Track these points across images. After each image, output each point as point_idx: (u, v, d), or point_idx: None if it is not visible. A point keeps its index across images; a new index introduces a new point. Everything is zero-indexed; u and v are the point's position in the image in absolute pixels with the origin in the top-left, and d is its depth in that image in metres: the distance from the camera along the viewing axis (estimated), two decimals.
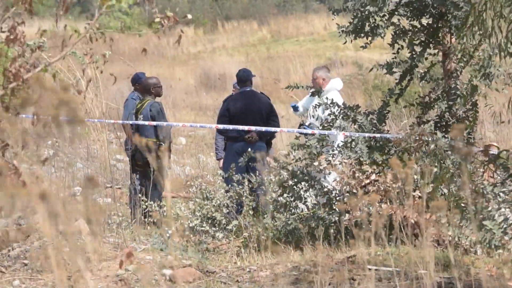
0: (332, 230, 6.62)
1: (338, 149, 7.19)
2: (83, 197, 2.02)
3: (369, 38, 7.36)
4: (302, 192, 7.24)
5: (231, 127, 8.96)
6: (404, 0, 7.37)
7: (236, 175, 7.69)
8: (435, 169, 6.45)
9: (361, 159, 6.96)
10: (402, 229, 5.28)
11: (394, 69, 7.42)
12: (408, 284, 4.46)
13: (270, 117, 9.45)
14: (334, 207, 6.95)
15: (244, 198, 7.58)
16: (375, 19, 7.33)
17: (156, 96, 9.60)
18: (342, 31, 7.36)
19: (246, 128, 8.90)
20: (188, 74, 26.39)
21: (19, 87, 3.61)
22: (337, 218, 6.76)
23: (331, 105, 7.40)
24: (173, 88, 22.79)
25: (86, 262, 2.17)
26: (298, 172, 7.21)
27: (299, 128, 8.52)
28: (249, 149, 7.82)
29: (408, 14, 7.45)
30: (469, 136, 7.17)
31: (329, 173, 7.23)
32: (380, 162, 6.94)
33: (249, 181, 7.60)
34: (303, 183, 7.21)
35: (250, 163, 7.92)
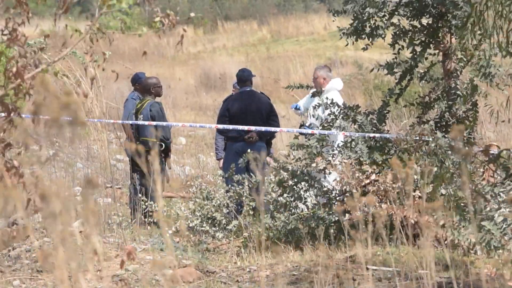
0: (332, 230, 6.62)
1: (338, 149, 7.19)
2: (82, 198, 2.02)
3: (370, 39, 7.37)
4: (302, 192, 7.24)
5: (231, 127, 8.96)
6: (404, 0, 7.37)
7: (236, 175, 7.69)
8: (435, 169, 6.45)
9: (361, 159, 6.96)
10: (402, 229, 5.28)
11: (395, 69, 7.43)
12: (408, 284, 4.46)
13: (270, 117, 9.45)
14: (334, 207, 6.95)
15: (244, 198, 7.58)
16: (375, 20, 7.33)
17: (156, 96, 9.60)
18: (343, 33, 7.37)
19: (246, 128, 8.90)
20: (188, 74, 26.39)
21: (20, 87, 3.61)
22: (337, 218, 6.76)
23: (331, 105, 7.40)
24: (173, 88, 22.79)
25: (87, 262, 2.17)
26: (298, 172, 7.21)
27: (300, 128, 8.51)
28: (249, 149, 7.82)
29: (408, 14, 7.45)
30: (469, 136, 7.17)
31: (329, 173, 7.23)
32: (380, 162, 6.94)
33: (249, 181, 7.60)
34: (303, 183, 7.22)
35: (250, 163, 7.92)
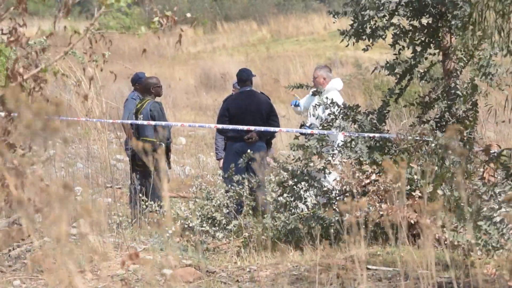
0: (332, 230, 6.62)
1: (338, 149, 7.19)
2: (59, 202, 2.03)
3: (371, 40, 7.38)
4: (302, 192, 7.24)
5: (230, 127, 8.96)
6: (404, 0, 7.37)
7: (236, 175, 7.69)
8: (436, 168, 6.45)
9: (361, 159, 6.96)
10: (399, 230, 5.27)
11: (395, 70, 7.43)
12: (408, 284, 4.46)
13: (270, 117, 9.45)
14: (334, 207, 6.95)
15: (244, 198, 7.58)
16: (376, 21, 7.34)
17: (156, 96, 9.60)
18: (344, 34, 7.38)
19: (245, 128, 8.90)
20: (188, 74, 26.38)
21: (21, 87, 3.61)
22: (337, 218, 6.75)
23: (331, 105, 7.40)
24: (173, 88, 22.79)
25: (87, 262, 2.18)
26: (298, 172, 7.21)
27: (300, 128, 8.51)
28: (249, 149, 7.82)
29: (408, 14, 7.45)
30: (469, 136, 7.16)
31: (329, 173, 7.24)
32: (380, 162, 6.93)
33: (249, 181, 7.60)
34: (303, 183, 7.22)
35: (250, 163, 7.92)
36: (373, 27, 7.34)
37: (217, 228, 7.59)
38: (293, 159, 7.37)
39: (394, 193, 6.35)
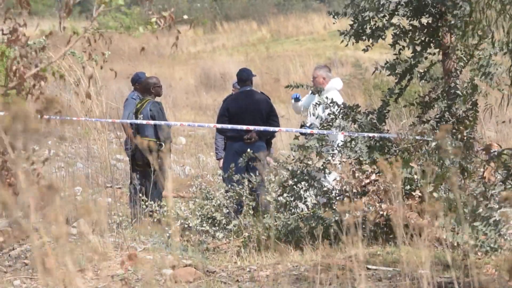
0: (332, 230, 6.62)
1: (338, 148, 7.19)
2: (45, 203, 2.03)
3: (371, 41, 7.38)
4: (302, 192, 7.24)
5: (230, 126, 8.96)
6: (403, 0, 7.37)
7: (236, 175, 7.69)
8: (436, 168, 6.44)
9: (361, 159, 6.96)
10: (400, 230, 5.26)
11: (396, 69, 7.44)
12: (408, 284, 4.46)
13: (270, 116, 9.45)
14: (334, 207, 6.94)
15: (244, 198, 7.58)
16: (376, 22, 7.35)
17: (156, 95, 9.60)
18: (344, 35, 7.38)
19: (245, 127, 8.90)
20: (188, 74, 26.38)
21: (21, 87, 3.61)
22: (336, 218, 6.75)
23: (330, 104, 7.40)
24: (173, 87, 22.79)
25: (87, 262, 2.18)
26: (298, 171, 7.21)
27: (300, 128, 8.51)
28: (249, 149, 7.82)
29: (408, 14, 7.45)
30: (469, 135, 7.16)
31: (329, 173, 7.24)
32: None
33: (249, 181, 7.60)
34: (303, 183, 7.21)
35: (250, 163, 7.92)
36: (373, 27, 7.34)
37: (217, 228, 7.59)
38: (293, 159, 7.37)
39: (393, 193, 6.36)
